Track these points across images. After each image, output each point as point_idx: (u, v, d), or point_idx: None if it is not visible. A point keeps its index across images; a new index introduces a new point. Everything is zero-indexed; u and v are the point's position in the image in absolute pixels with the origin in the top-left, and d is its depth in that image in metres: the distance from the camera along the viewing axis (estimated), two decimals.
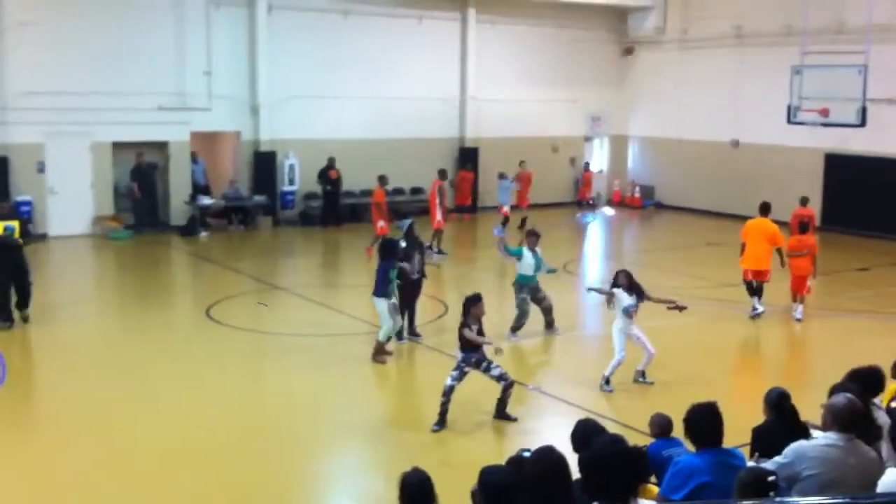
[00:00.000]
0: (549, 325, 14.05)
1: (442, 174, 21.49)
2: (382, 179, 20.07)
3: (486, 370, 10.30)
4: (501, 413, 10.38)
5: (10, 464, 9.07)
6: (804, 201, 19.06)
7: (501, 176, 24.07)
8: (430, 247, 20.20)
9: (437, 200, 20.56)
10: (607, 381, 11.43)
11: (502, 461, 5.74)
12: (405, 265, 12.96)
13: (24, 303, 13.97)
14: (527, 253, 13.65)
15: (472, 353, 10.23)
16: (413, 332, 13.58)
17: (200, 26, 22.81)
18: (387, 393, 12.09)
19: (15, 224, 13.88)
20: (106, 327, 14.92)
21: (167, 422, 10.19)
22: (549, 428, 10.21)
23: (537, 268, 13.64)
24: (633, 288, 11.50)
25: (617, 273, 11.77)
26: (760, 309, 15.28)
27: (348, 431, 10.26)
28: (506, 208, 23.39)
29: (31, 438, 9.84)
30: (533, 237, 13.86)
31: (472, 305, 10.23)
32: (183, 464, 9.10)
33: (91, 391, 11.26)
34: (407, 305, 13.41)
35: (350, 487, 9.12)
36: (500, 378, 10.29)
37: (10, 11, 20.71)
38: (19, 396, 11.35)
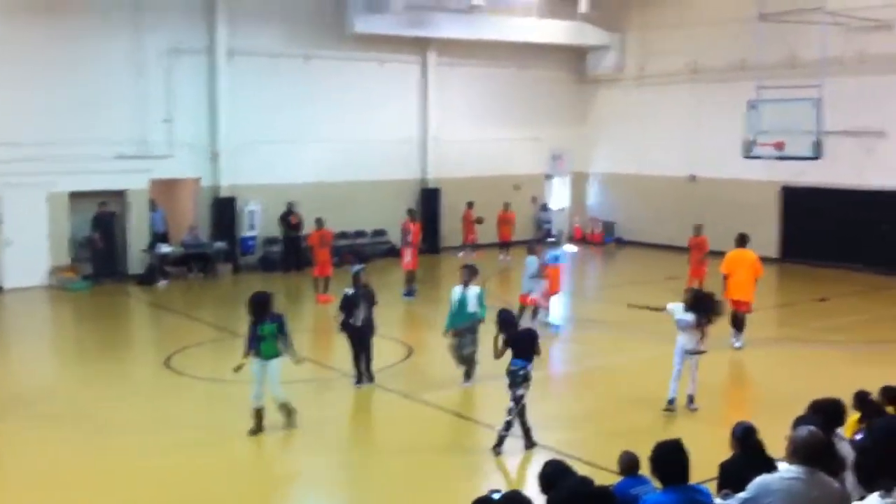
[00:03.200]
0: (468, 375, 13.22)
1: (412, 215, 21.48)
2: (318, 222, 20.49)
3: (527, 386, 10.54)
4: (530, 440, 10.60)
5: None
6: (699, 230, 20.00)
7: (531, 250, 17.50)
8: (410, 291, 20.17)
9: (408, 241, 20.63)
10: (671, 402, 11.97)
11: (469, 501, 5.68)
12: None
13: None
14: (455, 289, 13.15)
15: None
16: (369, 377, 13.22)
17: (160, 74, 22.70)
18: (347, 439, 11.92)
19: None
20: (62, 380, 14.60)
21: (121, 478, 9.93)
22: (517, 468, 10.11)
23: (462, 304, 12.93)
24: (696, 306, 11.90)
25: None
26: (738, 344, 15.44)
27: (306, 480, 10.09)
28: (534, 296, 17.00)
29: None
30: (465, 271, 13.25)
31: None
32: None
33: (45, 444, 10.96)
34: (357, 351, 13.12)
35: None
36: (521, 399, 10.46)
37: None
38: None
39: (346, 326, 13.09)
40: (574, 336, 17.58)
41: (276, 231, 24.34)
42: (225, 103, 23.64)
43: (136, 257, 22.94)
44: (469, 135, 27.76)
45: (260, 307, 11.31)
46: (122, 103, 22.26)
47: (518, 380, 10.45)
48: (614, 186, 29.95)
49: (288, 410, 11.38)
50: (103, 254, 22.57)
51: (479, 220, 26.20)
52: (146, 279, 22.32)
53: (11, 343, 17.16)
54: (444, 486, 9.68)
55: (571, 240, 29.90)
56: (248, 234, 24.36)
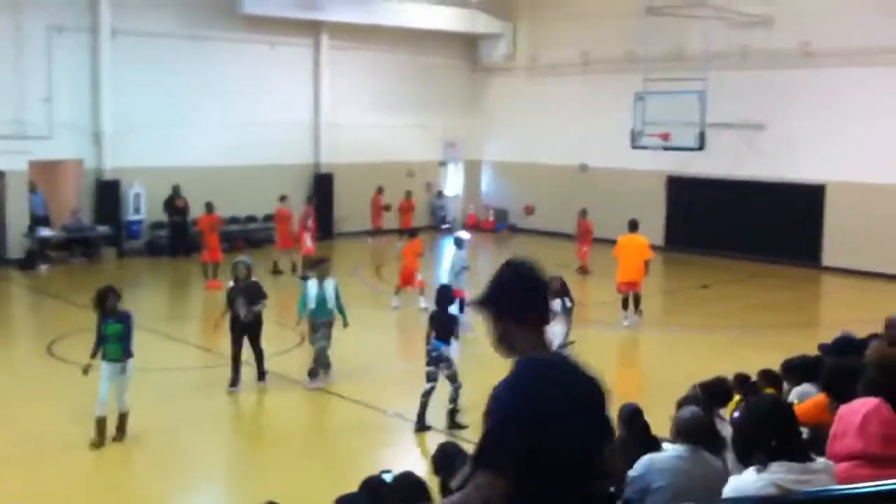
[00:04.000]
0: (312, 373, 12.57)
1: (310, 200, 21.37)
2: (207, 206, 20.41)
3: (449, 366, 10.86)
4: (454, 422, 10.72)
5: None
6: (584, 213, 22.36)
7: (458, 244, 16.94)
8: (303, 276, 19.89)
9: (308, 226, 20.74)
10: None
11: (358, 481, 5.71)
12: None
13: None
14: (311, 284, 12.64)
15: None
16: (260, 375, 12.54)
17: (40, 51, 21.78)
18: (237, 428, 11.78)
19: None
20: None
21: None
22: (408, 452, 10.16)
23: (321, 300, 12.43)
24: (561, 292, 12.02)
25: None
26: (628, 322, 16.25)
27: (194, 465, 9.94)
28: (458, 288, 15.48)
29: None
30: (320, 265, 12.94)
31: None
32: None
33: None
34: (236, 350, 12.42)
35: None
36: (454, 378, 10.76)
37: None
38: None
39: (231, 322, 12.43)
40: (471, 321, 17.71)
41: (163, 215, 23.76)
42: (108, 84, 22.87)
43: (15, 241, 22.05)
44: (362, 120, 27.57)
45: (101, 304, 10.38)
46: None
47: (429, 360, 10.81)
48: (507, 174, 30.26)
49: (122, 421, 10.41)
50: None
51: (387, 208, 26.52)
52: (26, 264, 21.50)
53: None
54: (337, 470, 9.65)
55: (465, 227, 30.07)
56: (134, 217, 23.69)
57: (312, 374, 12.56)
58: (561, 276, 12.39)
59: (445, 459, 6.23)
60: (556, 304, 11.90)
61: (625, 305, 16.34)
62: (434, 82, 29.31)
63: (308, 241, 20.62)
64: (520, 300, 3.48)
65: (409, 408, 11.71)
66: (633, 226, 16.92)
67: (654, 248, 24.46)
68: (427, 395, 10.76)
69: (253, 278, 12.72)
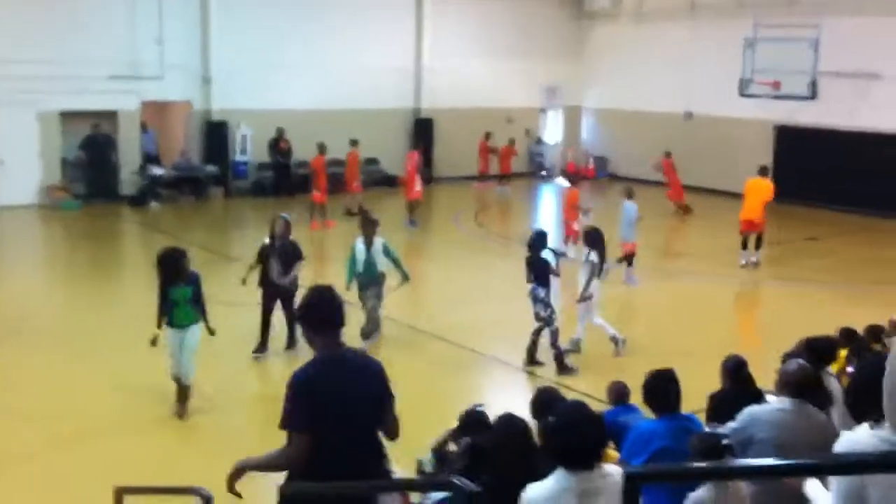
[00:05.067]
0: (364, 333, 11.63)
1: (417, 144, 21.48)
2: (321, 147, 20.35)
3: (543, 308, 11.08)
4: (561, 367, 11.03)
5: None
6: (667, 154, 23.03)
7: (629, 195, 16.60)
8: (412, 221, 20.31)
9: (416, 170, 20.87)
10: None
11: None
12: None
13: None
14: (359, 246, 11.71)
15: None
16: (292, 342, 11.62)
17: None
18: None
19: None
20: (55, 301, 14.70)
21: (112, 400, 10.03)
22: (504, 396, 10.29)
23: (368, 263, 11.65)
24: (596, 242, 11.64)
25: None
26: (743, 261, 16.83)
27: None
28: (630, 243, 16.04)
29: None
30: (368, 226, 11.82)
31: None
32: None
33: (34, 367, 11.08)
34: (266, 314, 11.59)
35: None
36: (550, 321, 11.02)
37: None
38: None
39: (262, 282, 11.55)
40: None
41: (267, 157, 24.26)
42: (216, 26, 23.31)
43: (127, 178, 22.86)
44: (463, 66, 27.46)
45: (170, 267, 9.33)
46: (113, 22, 21.94)
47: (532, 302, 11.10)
48: (609, 122, 29.82)
49: (184, 394, 9.56)
50: (95, 174, 22.49)
51: (494, 151, 26.64)
52: (138, 200, 22.28)
53: (4, 261, 17.20)
54: (436, 407, 9.86)
55: (565, 174, 29.84)
56: (240, 158, 24.26)
57: (365, 334, 11.63)
58: (595, 228, 11.87)
59: (545, 403, 6.34)
60: (591, 254, 11.51)
61: (744, 245, 16.90)
62: (536, 28, 28.92)
63: (417, 186, 20.76)
64: (316, 316, 4.79)
65: (501, 349, 11.86)
66: (763, 171, 17.64)
67: None
68: (535, 333, 11.16)
69: (291, 237, 11.71)
